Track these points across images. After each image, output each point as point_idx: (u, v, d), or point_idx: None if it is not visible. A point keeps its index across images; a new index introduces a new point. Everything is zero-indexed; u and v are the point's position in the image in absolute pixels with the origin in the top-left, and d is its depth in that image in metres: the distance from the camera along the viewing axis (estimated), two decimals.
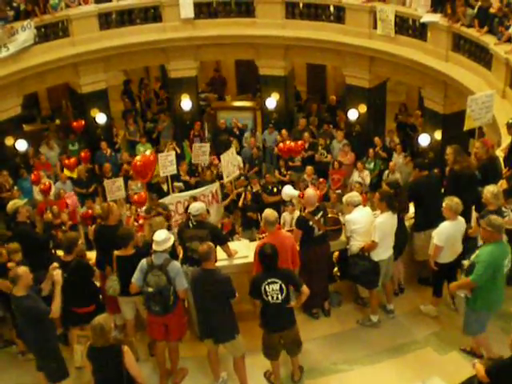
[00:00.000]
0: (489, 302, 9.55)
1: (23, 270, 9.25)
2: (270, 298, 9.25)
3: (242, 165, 19.71)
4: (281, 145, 20.19)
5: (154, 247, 9.67)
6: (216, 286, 9.28)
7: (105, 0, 22.91)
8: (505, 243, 9.53)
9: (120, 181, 17.25)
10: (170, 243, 9.80)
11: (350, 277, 11.28)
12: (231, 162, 17.34)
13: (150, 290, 9.50)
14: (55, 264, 9.87)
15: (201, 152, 19.29)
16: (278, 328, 9.59)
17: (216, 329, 9.50)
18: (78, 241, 10.42)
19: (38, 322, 9.14)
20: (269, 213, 10.36)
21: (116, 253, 10.29)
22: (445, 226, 10.39)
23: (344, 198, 11.64)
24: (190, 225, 10.86)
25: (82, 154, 21.11)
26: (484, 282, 9.29)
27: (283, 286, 9.26)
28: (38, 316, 9.16)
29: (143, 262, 9.70)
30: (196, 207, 10.92)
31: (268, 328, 9.61)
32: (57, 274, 9.60)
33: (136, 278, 9.71)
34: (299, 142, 19.90)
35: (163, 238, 9.68)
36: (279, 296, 9.26)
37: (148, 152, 18.27)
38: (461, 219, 10.58)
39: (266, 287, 9.21)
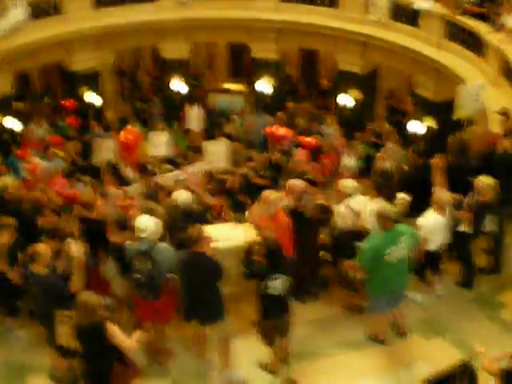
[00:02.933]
0: (376, 286, 9.92)
1: (43, 247, 9.28)
2: (271, 290, 9.24)
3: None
4: (268, 129, 20.09)
5: (138, 234, 9.57)
6: (204, 268, 9.24)
7: None
8: (396, 231, 9.66)
9: (110, 141, 17.12)
10: (154, 228, 9.65)
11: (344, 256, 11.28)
12: (217, 154, 17.07)
13: (139, 276, 9.49)
14: (69, 239, 9.86)
15: (194, 116, 20.35)
16: (280, 314, 9.61)
17: (203, 310, 9.47)
18: (60, 226, 10.37)
19: (59, 298, 9.17)
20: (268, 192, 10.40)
21: (114, 239, 10.28)
22: (431, 218, 10.47)
23: (340, 186, 11.60)
24: (179, 216, 10.84)
25: (54, 139, 20.95)
26: (368, 267, 9.72)
27: (285, 280, 9.27)
28: (60, 293, 9.22)
29: (128, 248, 9.70)
30: (184, 198, 10.99)
31: (270, 316, 9.60)
32: (76, 251, 9.62)
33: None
34: (283, 129, 19.73)
35: (146, 224, 9.56)
36: (280, 289, 9.27)
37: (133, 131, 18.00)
38: (447, 212, 10.66)
39: (269, 282, 9.19)
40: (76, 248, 9.66)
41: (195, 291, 9.38)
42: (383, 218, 9.52)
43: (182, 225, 10.48)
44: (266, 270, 9.28)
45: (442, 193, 10.61)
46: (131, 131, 16.86)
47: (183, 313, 9.87)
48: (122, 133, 16.90)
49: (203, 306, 9.44)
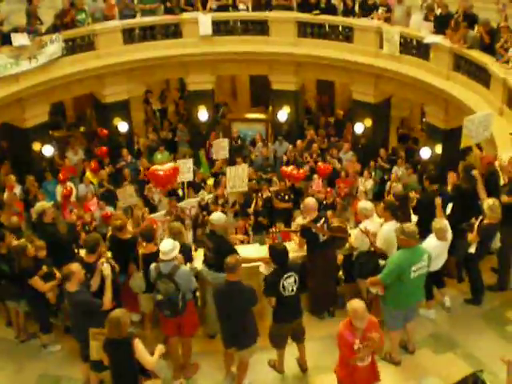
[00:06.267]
0: (396, 300, 9.78)
1: (76, 266, 9.37)
2: (286, 291, 9.33)
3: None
4: (284, 168, 19.92)
5: (161, 256, 9.62)
6: (240, 297, 9.24)
7: (129, 16, 22.99)
8: (419, 249, 9.67)
9: (131, 188, 17.19)
10: (176, 252, 9.74)
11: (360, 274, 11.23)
12: (238, 177, 17.22)
13: (160, 297, 9.53)
14: (103, 259, 9.93)
15: (221, 147, 19.78)
16: (292, 318, 9.70)
17: (240, 337, 9.47)
18: (100, 241, 10.40)
19: (92, 315, 9.22)
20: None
21: (141, 251, 10.36)
22: (434, 245, 10.44)
23: (358, 208, 11.59)
24: (206, 231, 10.83)
25: (92, 165, 21.05)
26: (391, 283, 9.59)
27: (297, 278, 9.40)
28: (92, 309, 9.27)
29: (151, 269, 9.74)
30: (214, 217, 10.77)
31: (282, 320, 9.66)
32: (105, 268, 9.70)
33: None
34: (301, 171, 19.53)
35: (170, 247, 9.63)
36: (294, 288, 9.40)
37: (170, 165, 17.96)
38: (449, 237, 10.63)
39: (284, 282, 9.27)
40: (108, 267, 9.72)
41: (233, 319, 9.37)
42: (407, 236, 9.45)
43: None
44: (278, 272, 9.42)
45: (439, 224, 10.54)
46: (174, 168, 16.93)
47: (222, 341, 9.82)
48: (167, 167, 16.99)
49: (241, 333, 9.45)
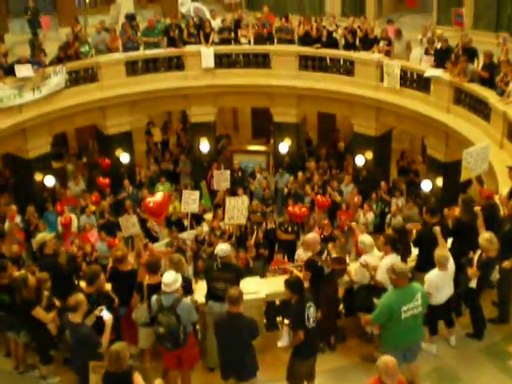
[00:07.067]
0: (390, 341, 9.60)
1: (82, 296, 9.30)
2: (310, 322, 9.24)
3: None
4: (290, 208, 19.63)
5: (163, 288, 9.53)
6: (242, 329, 9.13)
7: (132, 49, 23.12)
8: (411, 289, 9.50)
9: (134, 218, 17.13)
10: (179, 284, 9.65)
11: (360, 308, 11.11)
12: (238, 209, 17.15)
13: (162, 330, 9.40)
14: (102, 307, 9.73)
15: (222, 178, 19.92)
16: (314, 353, 9.61)
17: (239, 368, 9.33)
18: (100, 273, 10.30)
19: (92, 349, 9.12)
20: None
21: (146, 281, 10.24)
22: (434, 275, 10.37)
23: (360, 240, 11.53)
24: (215, 266, 10.58)
25: (93, 198, 20.99)
26: (383, 323, 9.50)
27: (314, 308, 9.34)
28: (92, 344, 9.17)
29: (153, 301, 9.63)
30: (223, 249, 10.55)
31: (306, 355, 9.50)
32: (107, 320, 9.52)
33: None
34: (303, 209, 19.40)
35: (172, 280, 9.54)
36: (315, 318, 9.32)
37: (160, 194, 17.97)
38: (450, 267, 10.53)
39: (308, 312, 9.17)
40: (110, 318, 9.59)
41: (234, 351, 9.25)
42: (397, 276, 9.35)
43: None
44: (301, 301, 9.30)
45: (440, 252, 10.47)
46: (163, 200, 16.98)
47: (221, 372, 9.65)
48: (157, 198, 17.02)
49: (241, 365, 9.32)
